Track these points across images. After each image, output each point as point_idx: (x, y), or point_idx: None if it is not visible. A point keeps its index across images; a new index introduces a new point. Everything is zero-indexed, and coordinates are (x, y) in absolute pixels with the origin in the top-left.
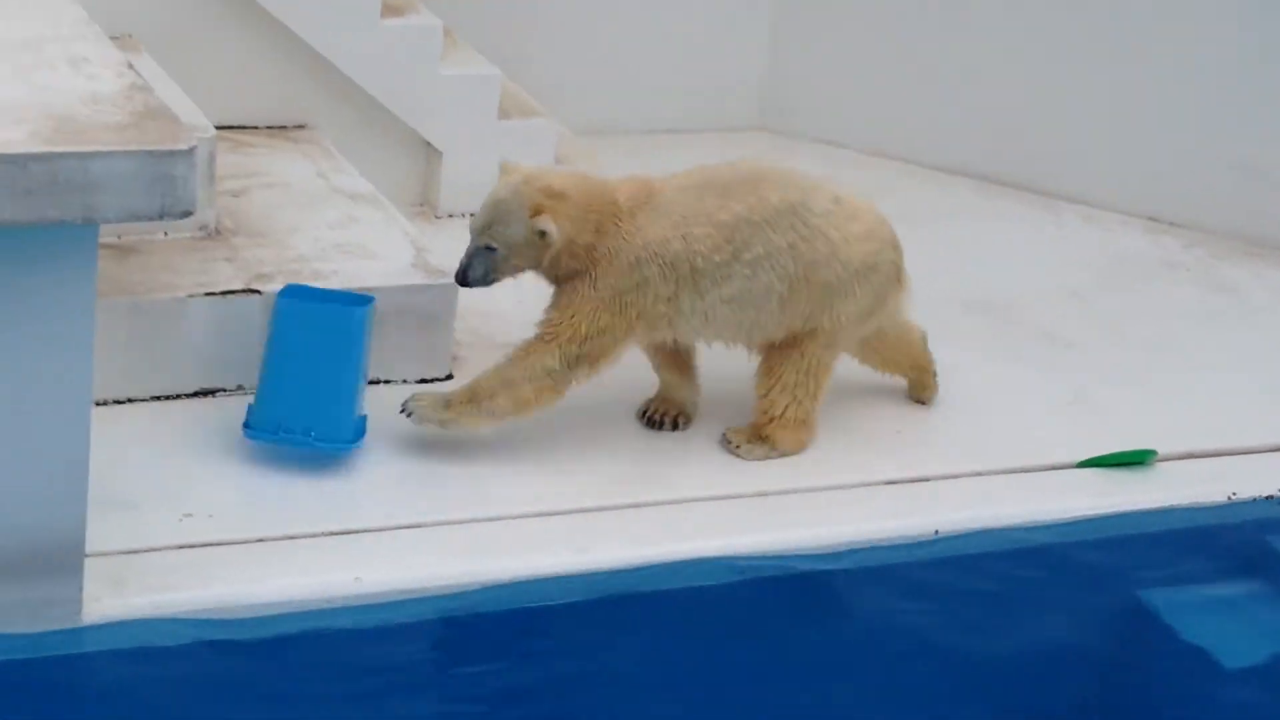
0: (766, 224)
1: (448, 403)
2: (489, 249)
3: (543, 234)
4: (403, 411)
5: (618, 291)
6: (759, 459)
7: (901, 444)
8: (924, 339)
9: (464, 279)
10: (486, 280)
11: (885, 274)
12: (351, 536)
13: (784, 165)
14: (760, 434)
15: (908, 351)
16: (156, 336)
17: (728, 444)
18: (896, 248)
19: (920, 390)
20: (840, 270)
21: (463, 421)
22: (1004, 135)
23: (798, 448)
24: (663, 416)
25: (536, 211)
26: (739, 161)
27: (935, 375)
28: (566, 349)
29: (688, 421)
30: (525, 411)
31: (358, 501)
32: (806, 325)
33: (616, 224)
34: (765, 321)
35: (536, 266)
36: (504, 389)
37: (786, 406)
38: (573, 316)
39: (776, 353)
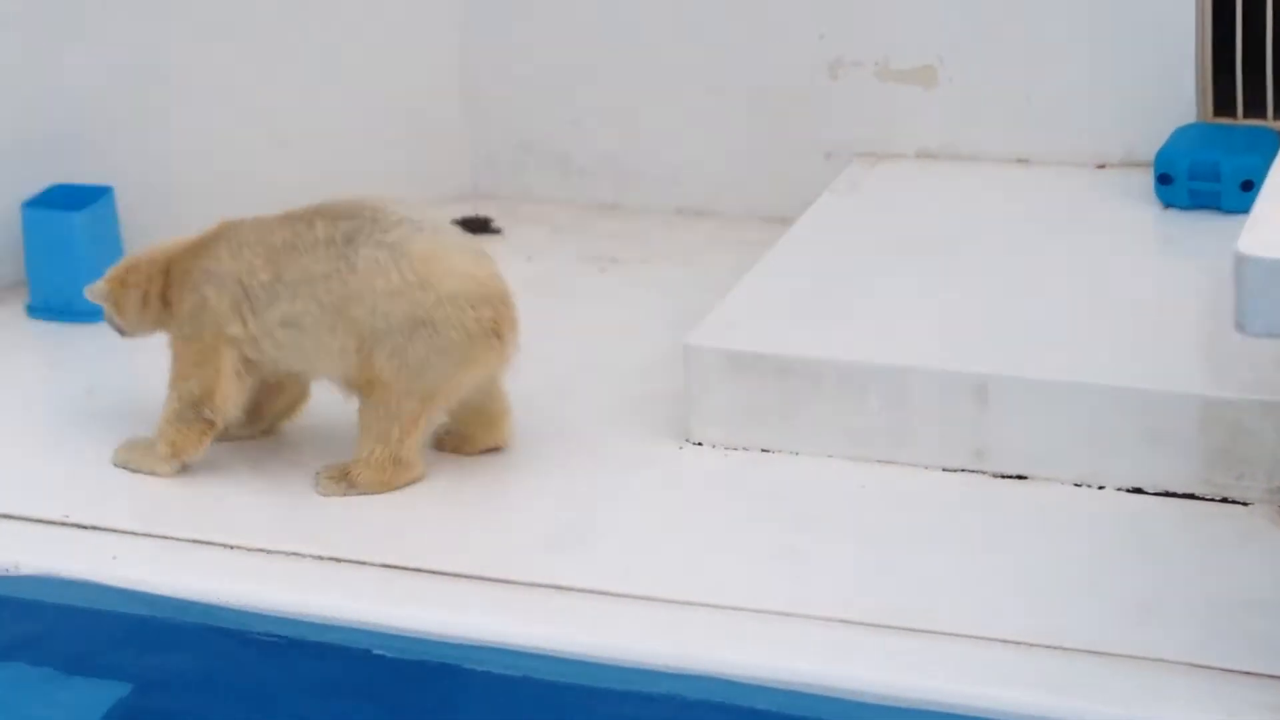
0: (306, 250)
1: (131, 446)
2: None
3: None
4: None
5: (190, 317)
6: (335, 495)
7: None
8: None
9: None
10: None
11: (456, 331)
12: None
13: (398, 202)
14: (345, 472)
15: (481, 415)
16: None
17: (315, 480)
18: (481, 300)
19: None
20: (372, 317)
21: (141, 464)
22: None
23: (379, 489)
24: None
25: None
26: (345, 195)
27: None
28: (181, 389)
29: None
30: (181, 453)
31: None
32: (368, 370)
33: (183, 264)
34: (326, 349)
35: (144, 324)
36: (160, 437)
37: (371, 450)
38: (176, 359)
39: (367, 397)
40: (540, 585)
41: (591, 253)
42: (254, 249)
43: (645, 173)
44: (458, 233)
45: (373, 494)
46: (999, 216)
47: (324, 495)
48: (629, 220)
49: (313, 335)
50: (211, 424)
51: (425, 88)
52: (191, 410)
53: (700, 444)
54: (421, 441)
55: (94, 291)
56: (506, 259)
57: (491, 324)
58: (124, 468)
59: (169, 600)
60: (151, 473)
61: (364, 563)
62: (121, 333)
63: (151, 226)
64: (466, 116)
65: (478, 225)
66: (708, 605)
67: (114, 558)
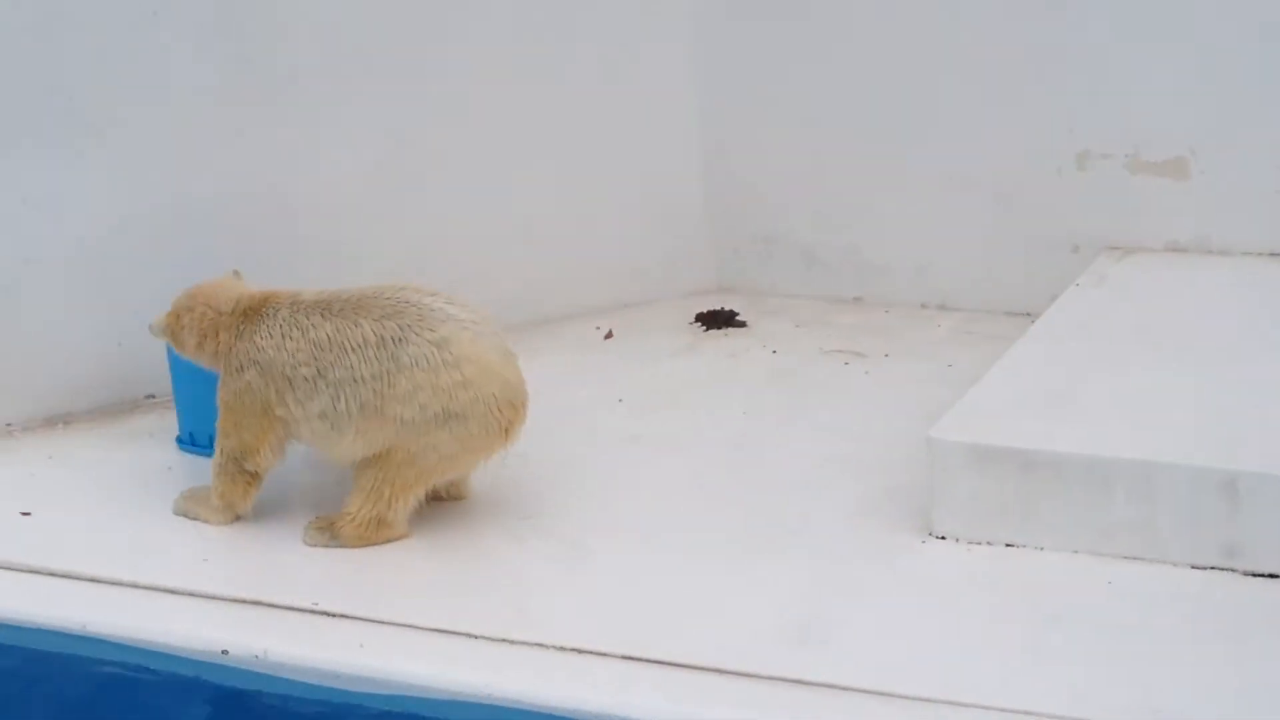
0: (353, 350)
1: (191, 496)
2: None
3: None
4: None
5: (234, 392)
6: (318, 545)
7: None
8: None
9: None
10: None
11: (478, 425)
12: None
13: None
14: (331, 524)
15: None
16: None
17: (304, 530)
18: (506, 402)
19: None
20: (410, 410)
21: (200, 515)
22: None
23: (359, 544)
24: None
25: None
26: (383, 284)
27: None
28: (224, 445)
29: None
30: (232, 505)
31: None
32: (382, 453)
33: (229, 328)
34: (354, 445)
35: (202, 361)
36: (213, 489)
37: (360, 507)
38: (222, 415)
39: (372, 459)
40: (781, 679)
41: (834, 346)
42: (298, 342)
43: (888, 266)
44: (490, 326)
45: (352, 548)
46: (1249, 311)
47: (309, 545)
48: (871, 314)
49: (348, 434)
50: (256, 476)
51: (669, 184)
52: (234, 465)
53: (943, 538)
54: (409, 508)
55: (155, 327)
56: (750, 352)
57: (508, 423)
58: (183, 516)
59: None
60: (206, 521)
61: (604, 654)
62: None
63: None
64: (710, 212)
65: (723, 319)
66: (952, 703)
67: (360, 645)
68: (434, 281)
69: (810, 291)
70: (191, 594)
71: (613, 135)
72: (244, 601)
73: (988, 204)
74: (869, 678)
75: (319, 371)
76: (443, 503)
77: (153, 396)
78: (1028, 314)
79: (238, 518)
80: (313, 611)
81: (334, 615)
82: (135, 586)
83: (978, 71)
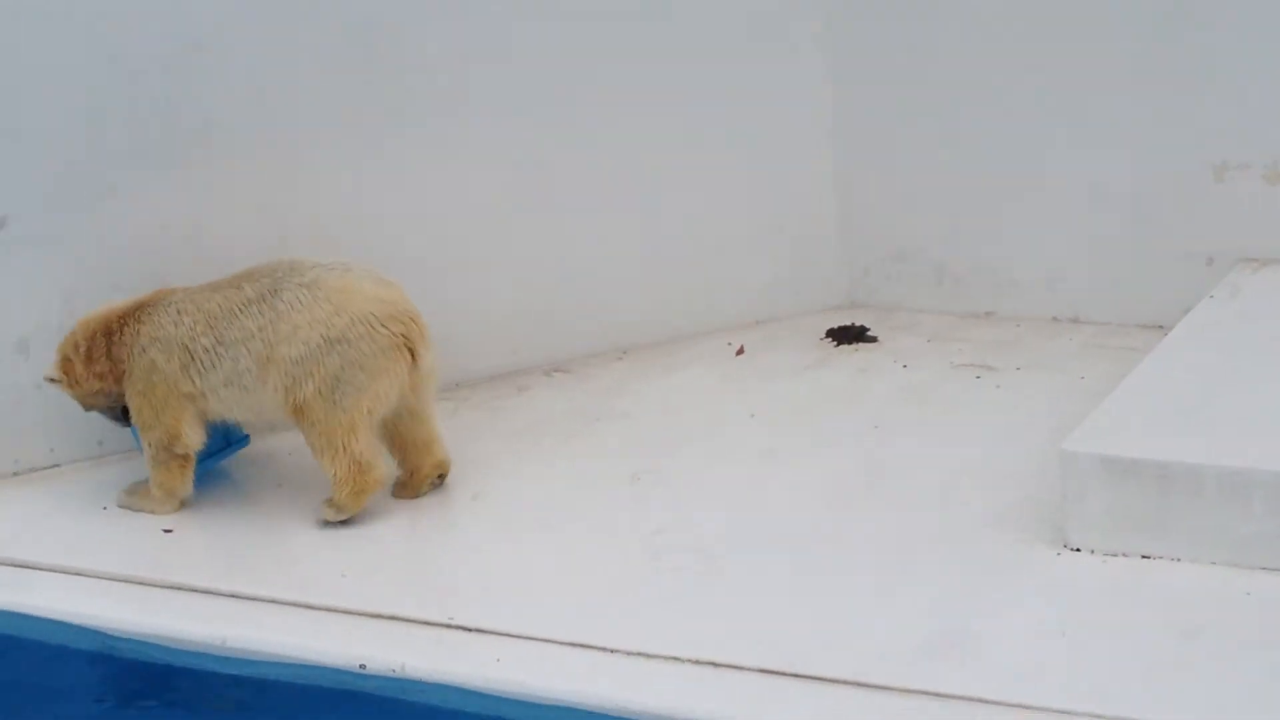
0: (240, 311)
1: (131, 490)
2: (93, 408)
3: (53, 380)
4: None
5: (141, 378)
6: (333, 519)
7: None
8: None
9: (128, 424)
10: (125, 419)
11: (367, 345)
12: None
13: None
14: (330, 501)
15: (418, 442)
16: None
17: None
18: (389, 318)
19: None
20: (293, 348)
21: (140, 505)
22: None
23: (357, 502)
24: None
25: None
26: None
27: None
28: (150, 437)
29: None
30: (173, 492)
31: None
32: (295, 402)
33: (121, 330)
34: (263, 403)
35: (98, 395)
36: (151, 482)
37: (331, 469)
38: (138, 412)
39: (300, 425)
40: (919, 692)
41: (966, 360)
42: (194, 315)
43: (1020, 280)
44: (369, 268)
45: (354, 509)
46: None
47: (329, 520)
48: (1003, 327)
49: (254, 391)
50: (187, 458)
51: (801, 199)
52: (165, 453)
53: (1078, 550)
54: (369, 448)
55: (48, 371)
56: (881, 367)
57: (402, 338)
58: (127, 509)
59: None
60: (153, 512)
61: (741, 668)
62: (83, 405)
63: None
64: (841, 227)
65: (854, 334)
66: (1092, 715)
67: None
68: (566, 302)
69: (941, 306)
70: (330, 609)
71: (744, 151)
72: (381, 616)
73: (1121, 216)
74: (1008, 690)
75: (217, 339)
76: (439, 486)
77: None
78: (1160, 326)
79: (181, 504)
80: (448, 626)
81: (469, 630)
82: (275, 602)
83: (1113, 83)
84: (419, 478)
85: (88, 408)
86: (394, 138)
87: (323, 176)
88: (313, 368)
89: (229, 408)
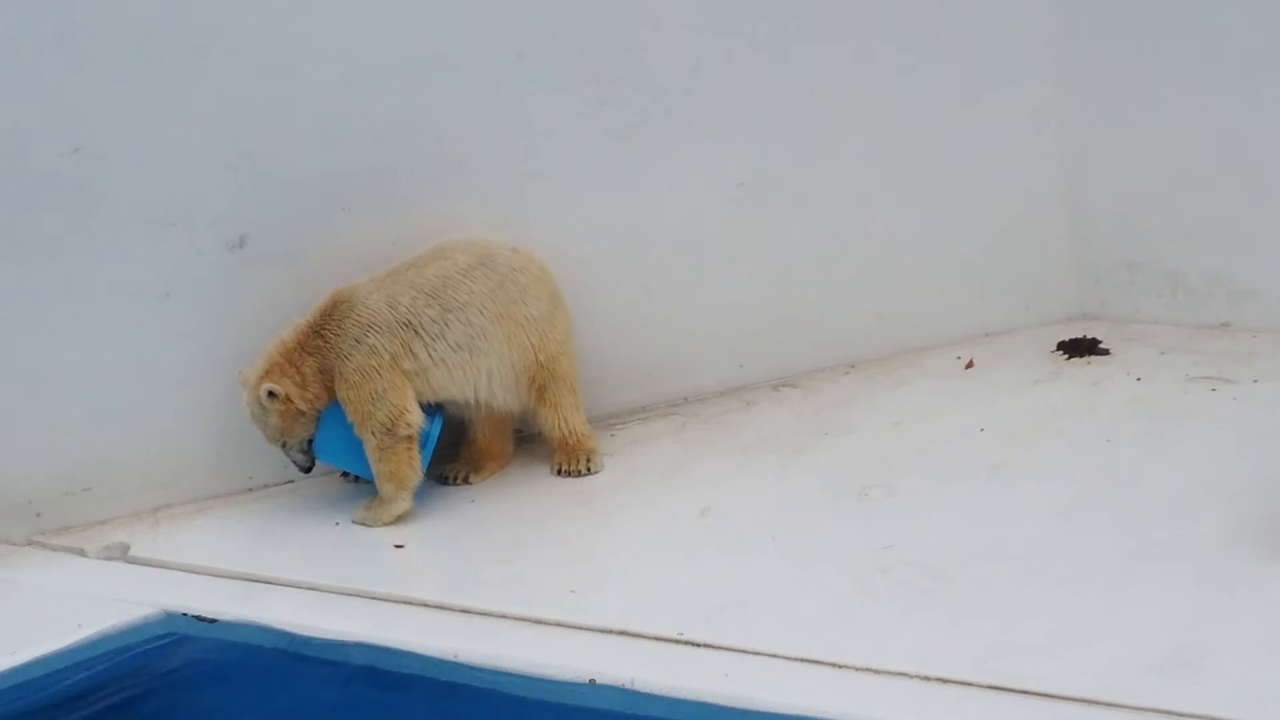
0: (462, 276)
1: (364, 506)
2: (284, 445)
3: (271, 394)
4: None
5: (356, 370)
6: (584, 473)
7: None
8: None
9: (308, 470)
10: (311, 458)
11: (563, 309)
12: None
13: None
14: (581, 458)
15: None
16: None
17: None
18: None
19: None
20: (536, 306)
21: (373, 517)
22: None
23: (598, 457)
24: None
25: (259, 402)
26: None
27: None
28: (371, 425)
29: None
30: (404, 482)
31: None
32: (539, 356)
33: (322, 338)
34: (491, 367)
35: (302, 420)
36: (379, 484)
37: (572, 424)
38: (354, 408)
39: (548, 390)
40: (1153, 710)
41: (1201, 373)
42: (410, 295)
43: (1259, 290)
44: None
45: (599, 467)
46: None
47: (585, 473)
48: (1240, 339)
49: (485, 354)
50: (411, 439)
51: (1031, 210)
52: (389, 437)
53: None
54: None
55: (253, 403)
56: (1114, 379)
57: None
58: (361, 523)
59: None
60: (386, 521)
61: (970, 684)
62: (280, 440)
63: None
64: (1073, 238)
65: (1085, 346)
66: None
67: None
68: (794, 316)
69: (1175, 318)
70: (559, 624)
71: (974, 161)
72: (610, 632)
73: None
74: (1245, 709)
75: (443, 307)
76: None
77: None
78: None
79: (412, 500)
80: (678, 641)
81: (698, 645)
82: (505, 617)
83: None
84: (489, 464)
85: (280, 439)
86: (622, 155)
87: (552, 195)
88: (545, 326)
89: (449, 377)
